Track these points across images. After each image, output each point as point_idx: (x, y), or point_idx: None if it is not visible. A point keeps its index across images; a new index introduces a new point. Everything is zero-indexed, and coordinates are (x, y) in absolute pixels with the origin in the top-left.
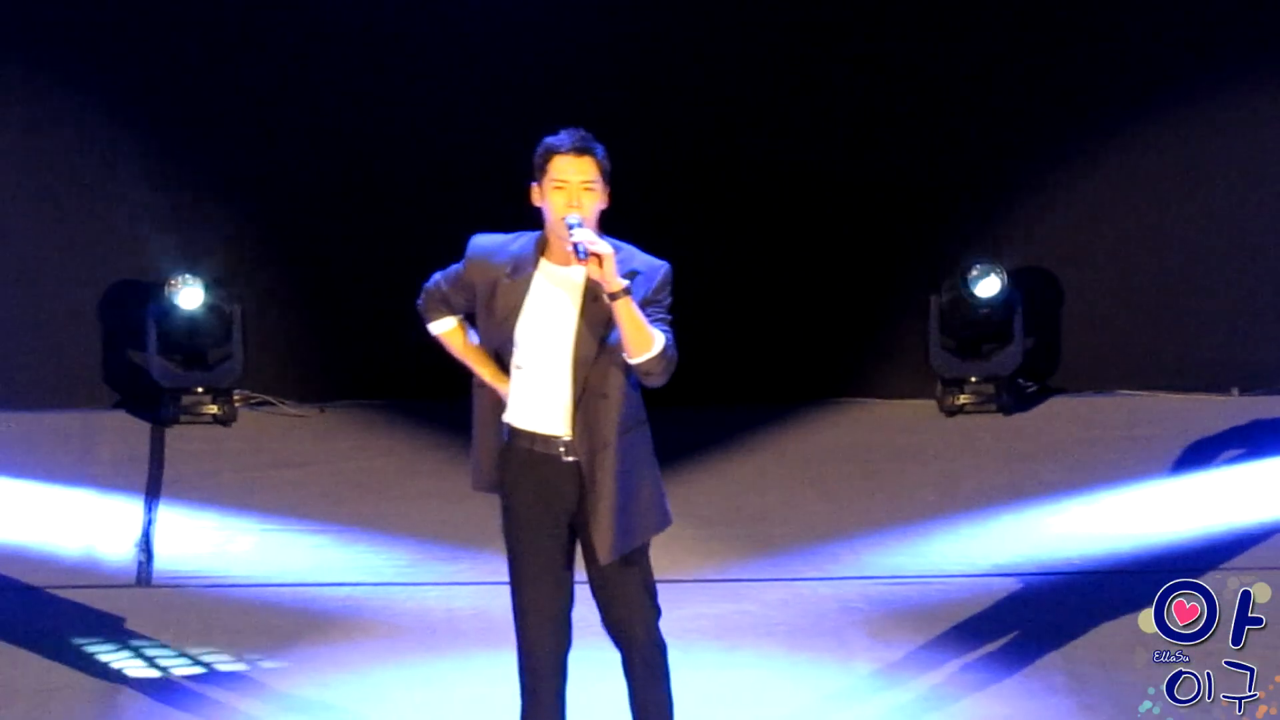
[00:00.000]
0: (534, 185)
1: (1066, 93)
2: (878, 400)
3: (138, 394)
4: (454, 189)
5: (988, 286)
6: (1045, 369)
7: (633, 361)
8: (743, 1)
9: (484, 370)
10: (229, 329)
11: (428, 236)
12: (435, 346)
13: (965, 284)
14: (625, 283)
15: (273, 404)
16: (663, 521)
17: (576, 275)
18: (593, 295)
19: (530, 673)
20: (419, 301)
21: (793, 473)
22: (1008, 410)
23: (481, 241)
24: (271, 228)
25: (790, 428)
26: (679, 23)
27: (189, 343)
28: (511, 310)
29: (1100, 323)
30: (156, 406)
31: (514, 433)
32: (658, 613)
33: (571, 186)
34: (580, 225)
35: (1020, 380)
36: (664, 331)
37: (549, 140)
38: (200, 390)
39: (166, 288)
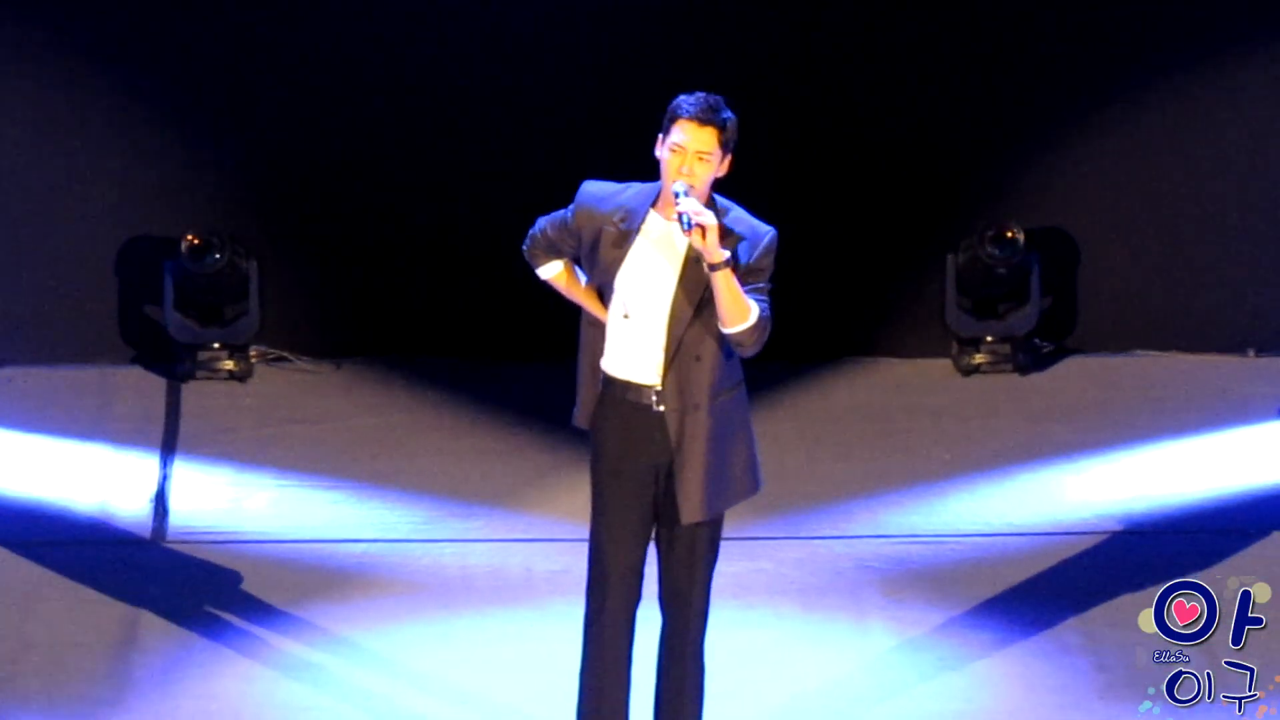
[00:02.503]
0: (660, 136)
1: (1084, 53)
2: (894, 359)
3: (154, 350)
4: (470, 145)
5: (1004, 246)
6: (1061, 329)
7: (726, 331)
8: None
9: (595, 309)
10: (245, 285)
11: (444, 192)
12: (451, 302)
13: (982, 243)
14: (726, 254)
15: (289, 360)
16: (753, 487)
17: (683, 238)
18: (694, 257)
19: (600, 625)
20: (524, 246)
21: (809, 431)
22: (1024, 370)
23: (591, 189)
24: (288, 184)
25: (806, 387)
26: None
27: (205, 298)
28: (615, 259)
29: (1116, 283)
30: (173, 362)
31: (609, 380)
32: (710, 586)
33: (687, 153)
34: (687, 194)
35: (1036, 340)
36: (760, 302)
37: (679, 99)
38: (216, 346)
39: (183, 244)
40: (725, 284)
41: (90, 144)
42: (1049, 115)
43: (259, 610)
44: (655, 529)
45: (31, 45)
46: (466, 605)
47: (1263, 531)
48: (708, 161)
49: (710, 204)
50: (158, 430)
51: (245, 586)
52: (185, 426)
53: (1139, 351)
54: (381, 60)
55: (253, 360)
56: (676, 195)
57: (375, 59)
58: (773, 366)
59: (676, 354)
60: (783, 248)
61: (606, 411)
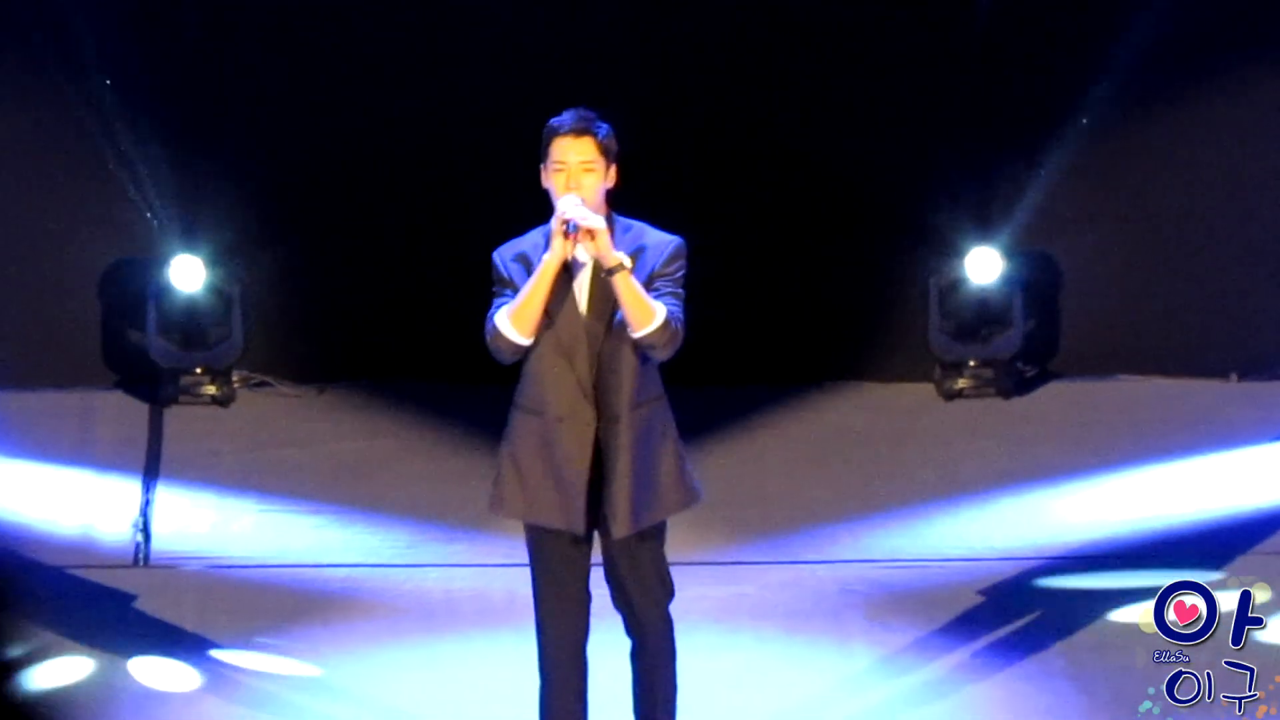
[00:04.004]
0: (542, 167)
1: (1066, 78)
2: (877, 383)
3: (137, 374)
4: (454, 171)
5: (987, 270)
6: (1044, 353)
7: (635, 336)
8: None
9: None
10: (228, 309)
11: (426, 217)
12: (434, 327)
13: (964, 267)
14: (621, 257)
15: (271, 384)
16: (689, 499)
17: (587, 254)
18: (602, 272)
19: (550, 647)
20: (488, 337)
21: (792, 455)
22: (1007, 394)
23: (501, 253)
24: (271, 208)
25: (789, 410)
26: (686, 11)
27: (188, 323)
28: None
29: (1099, 307)
30: (155, 386)
31: (535, 409)
32: (670, 596)
33: (570, 168)
34: (575, 203)
35: (1019, 364)
36: (670, 304)
37: (551, 121)
38: (199, 370)
39: (166, 268)
40: (625, 287)
41: (73, 168)
42: (1031, 139)
43: (242, 634)
44: (601, 547)
45: (12, 70)
46: (450, 629)
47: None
48: (592, 171)
49: (610, 221)
50: (140, 455)
51: (228, 611)
52: (168, 451)
53: (1122, 376)
54: (363, 86)
55: (235, 385)
56: (569, 219)
57: (357, 85)
58: (756, 390)
59: (596, 369)
60: (767, 272)
61: (530, 440)
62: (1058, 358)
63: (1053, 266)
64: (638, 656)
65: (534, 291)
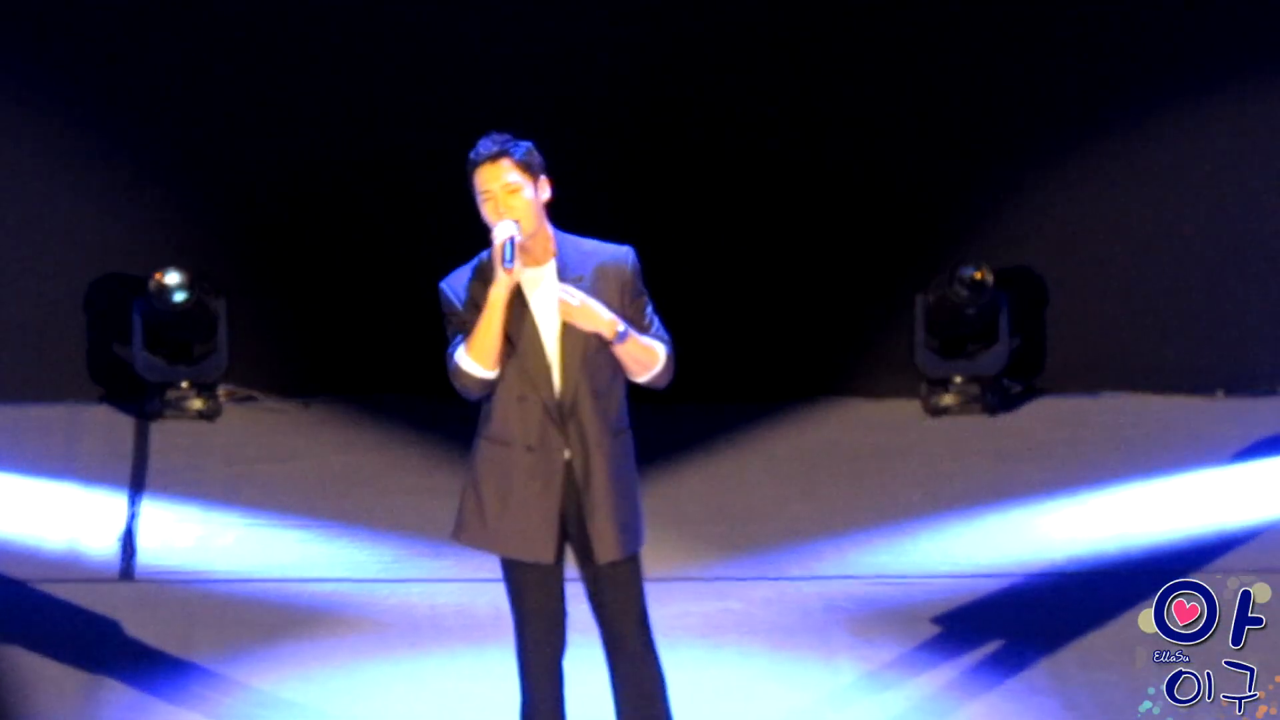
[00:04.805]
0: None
1: (1053, 93)
2: (862, 400)
3: (122, 388)
4: (439, 185)
5: (973, 286)
6: (1030, 369)
7: (640, 381)
8: (731, 1)
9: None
10: (214, 324)
11: (412, 231)
12: (419, 341)
13: (950, 283)
14: (620, 326)
15: (257, 399)
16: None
17: (547, 274)
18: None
19: (529, 670)
20: (452, 376)
21: (777, 471)
22: (993, 410)
23: (450, 283)
24: (256, 223)
25: (775, 426)
26: (669, 20)
27: (174, 337)
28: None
29: (1086, 324)
30: (141, 401)
31: (501, 440)
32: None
33: (495, 194)
34: (516, 235)
35: (1005, 380)
36: (660, 334)
37: (469, 154)
38: (185, 385)
39: (152, 282)
40: (629, 348)
41: (58, 182)
42: (1018, 155)
43: (227, 649)
44: (580, 572)
45: None
46: (435, 644)
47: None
48: (517, 192)
49: (546, 237)
50: (126, 468)
51: (213, 625)
52: (153, 465)
53: (1108, 392)
54: (346, 99)
55: (221, 399)
56: (505, 240)
57: (342, 99)
58: (742, 407)
59: (575, 395)
60: (753, 287)
61: (491, 474)
62: (1044, 374)
63: (1039, 283)
64: (617, 683)
65: (487, 322)
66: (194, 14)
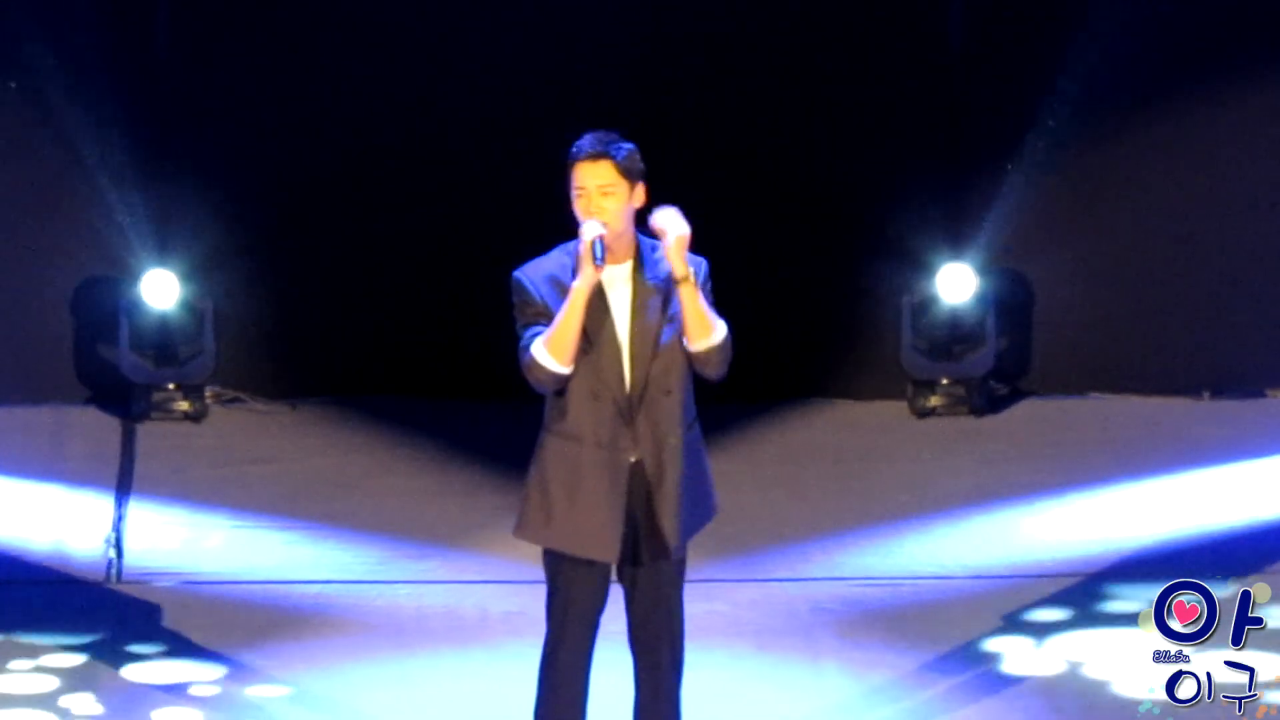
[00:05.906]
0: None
1: (1038, 95)
2: (849, 401)
3: (109, 390)
4: (426, 187)
5: (959, 288)
6: (1016, 371)
7: (693, 348)
8: (724, 6)
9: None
10: (201, 325)
11: (399, 233)
12: (406, 343)
13: (936, 285)
14: (692, 268)
15: (244, 400)
16: (712, 512)
17: (623, 273)
18: (644, 290)
19: (558, 668)
20: (525, 369)
21: (764, 473)
22: (979, 412)
23: (525, 272)
24: (243, 224)
25: (762, 428)
26: (664, 28)
27: (160, 339)
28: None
29: (1071, 326)
30: (127, 402)
31: (571, 436)
32: (683, 635)
33: (590, 192)
34: (602, 235)
35: (991, 382)
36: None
37: (571, 147)
38: (171, 386)
39: (139, 283)
40: (689, 298)
41: (45, 184)
42: (1003, 157)
43: (214, 650)
44: (630, 572)
45: None
46: (421, 646)
47: (1221, 574)
48: (612, 195)
49: (631, 239)
50: (112, 470)
51: (200, 627)
52: (140, 467)
53: (1094, 394)
54: (337, 103)
55: (208, 401)
56: (594, 238)
57: (330, 100)
58: (728, 408)
59: (645, 392)
60: (739, 289)
61: (559, 471)
62: (1030, 376)
63: (1025, 284)
64: (641, 687)
65: (568, 318)
66: (181, 10)
